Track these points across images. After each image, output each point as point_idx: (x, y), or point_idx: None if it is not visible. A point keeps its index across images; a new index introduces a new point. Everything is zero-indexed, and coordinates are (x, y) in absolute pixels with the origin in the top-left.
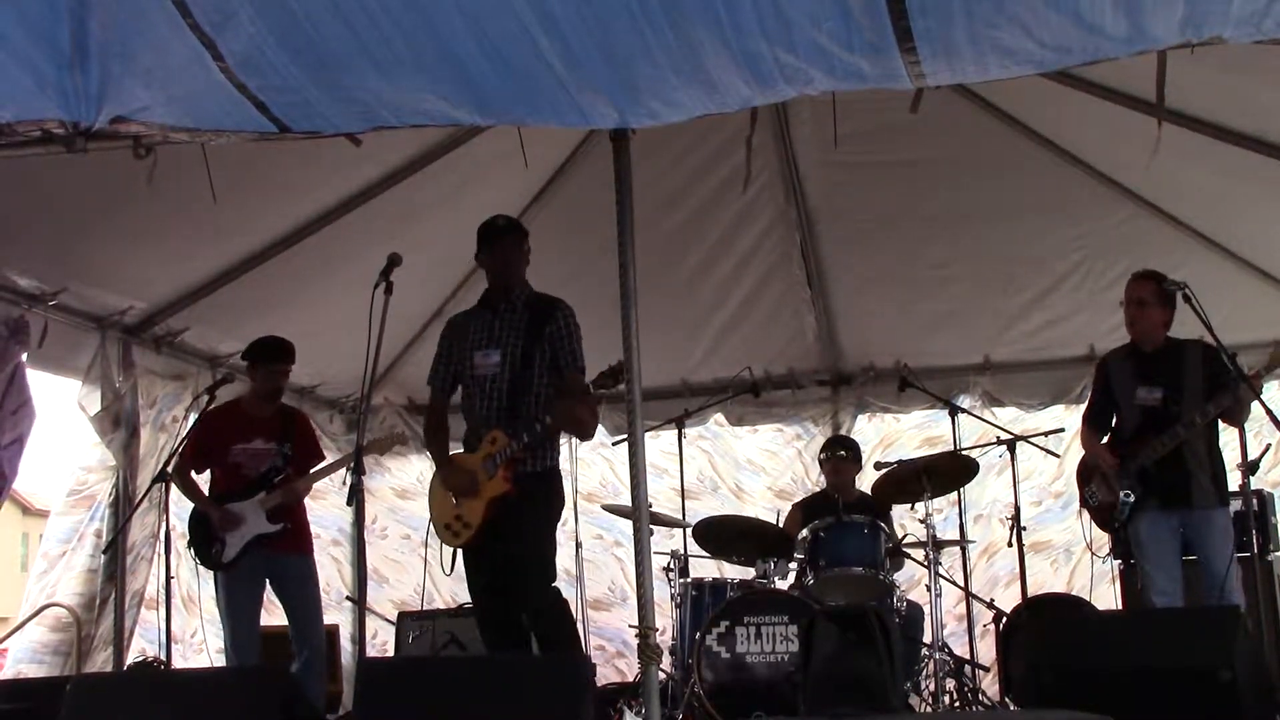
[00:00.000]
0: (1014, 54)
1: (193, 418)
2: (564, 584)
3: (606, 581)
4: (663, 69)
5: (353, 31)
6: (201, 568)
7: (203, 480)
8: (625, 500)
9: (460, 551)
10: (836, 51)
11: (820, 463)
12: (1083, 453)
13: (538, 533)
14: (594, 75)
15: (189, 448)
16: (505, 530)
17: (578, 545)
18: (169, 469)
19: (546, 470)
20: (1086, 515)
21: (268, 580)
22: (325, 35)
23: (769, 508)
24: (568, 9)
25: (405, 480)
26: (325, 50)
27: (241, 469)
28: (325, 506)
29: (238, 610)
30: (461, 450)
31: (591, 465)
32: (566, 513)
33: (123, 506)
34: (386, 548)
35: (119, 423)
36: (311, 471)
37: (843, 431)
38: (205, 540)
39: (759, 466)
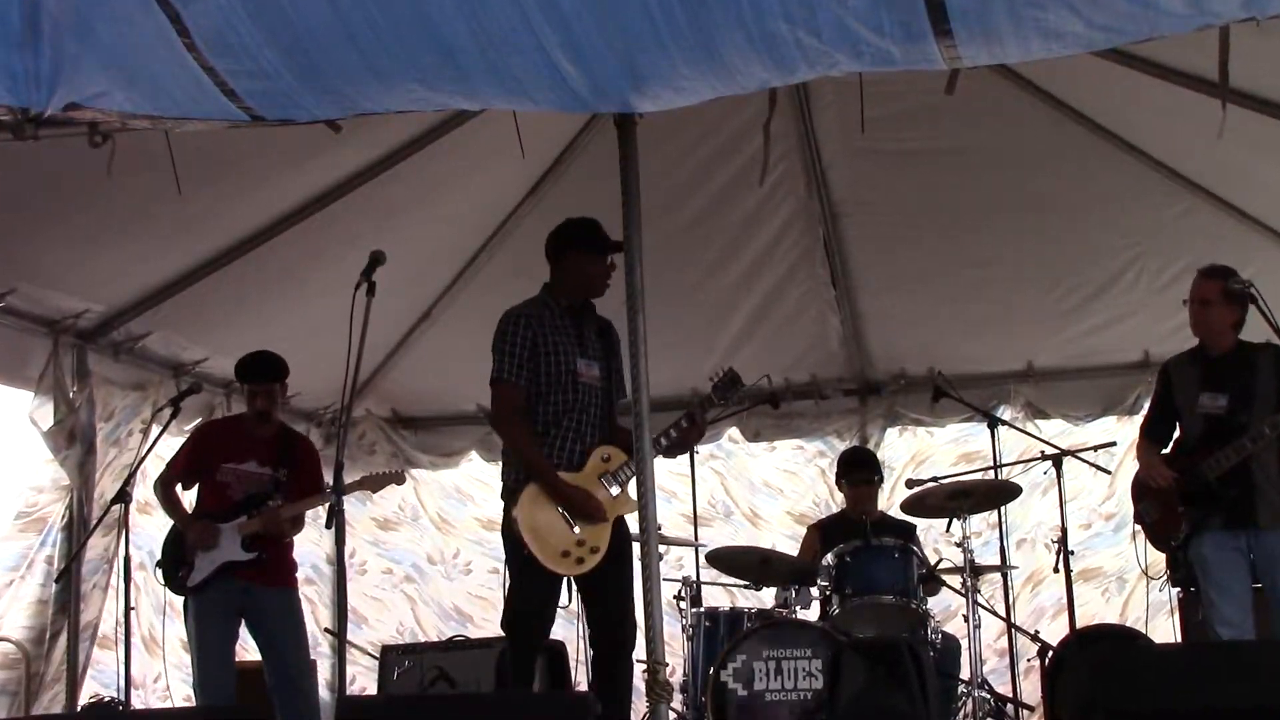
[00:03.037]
0: (1061, 36)
1: (155, 431)
2: (563, 620)
3: None
4: (671, 54)
5: (335, 9)
6: (170, 604)
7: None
8: (631, 526)
9: (569, 580)
10: (864, 34)
11: (839, 486)
12: (1138, 467)
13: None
14: (597, 63)
15: (179, 459)
16: (620, 557)
17: None
18: (128, 488)
19: None
20: (1142, 538)
21: (242, 617)
22: (304, 13)
23: (787, 534)
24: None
25: (386, 509)
26: (303, 29)
27: (228, 489)
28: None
29: (206, 642)
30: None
31: None
32: None
33: (77, 530)
34: (366, 584)
35: (74, 438)
36: (297, 502)
37: (871, 445)
38: (175, 562)
39: (776, 489)
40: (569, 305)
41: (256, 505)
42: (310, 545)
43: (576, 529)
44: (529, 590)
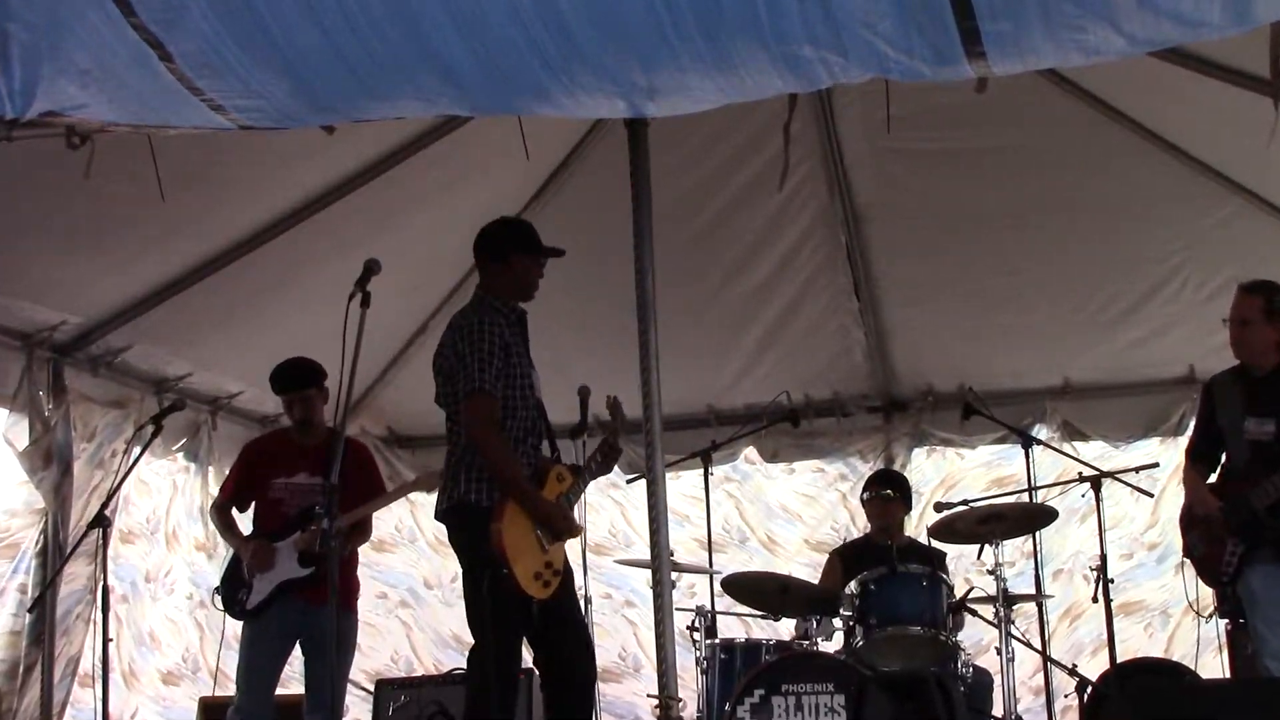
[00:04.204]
0: (1099, 51)
1: (136, 452)
2: None
3: (616, 648)
4: (688, 74)
5: (326, 35)
6: (151, 633)
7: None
8: (639, 552)
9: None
10: (893, 55)
11: (863, 503)
12: (1184, 495)
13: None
14: (607, 82)
15: (229, 482)
16: (569, 582)
17: (586, 601)
18: (106, 512)
19: None
20: (1189, 569)
21: (298, 639)
22: (295, 40)
23: (805, 563)
24: (581, 17)
25: (382, 529)
26: (294, 55)
27: (281, 505)
28: None
29: (252, 670)
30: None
31: (599, 511)
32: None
33: (53, 557)
34: (360, 609)
35: (50, 458)
36: (350, 511)
37: (897, 466)
38: (234, 586)
39: (794, 514)
40: (515, 313)
41: (312, 518)
42: None
43: (547, 550)
44: (511, 614)
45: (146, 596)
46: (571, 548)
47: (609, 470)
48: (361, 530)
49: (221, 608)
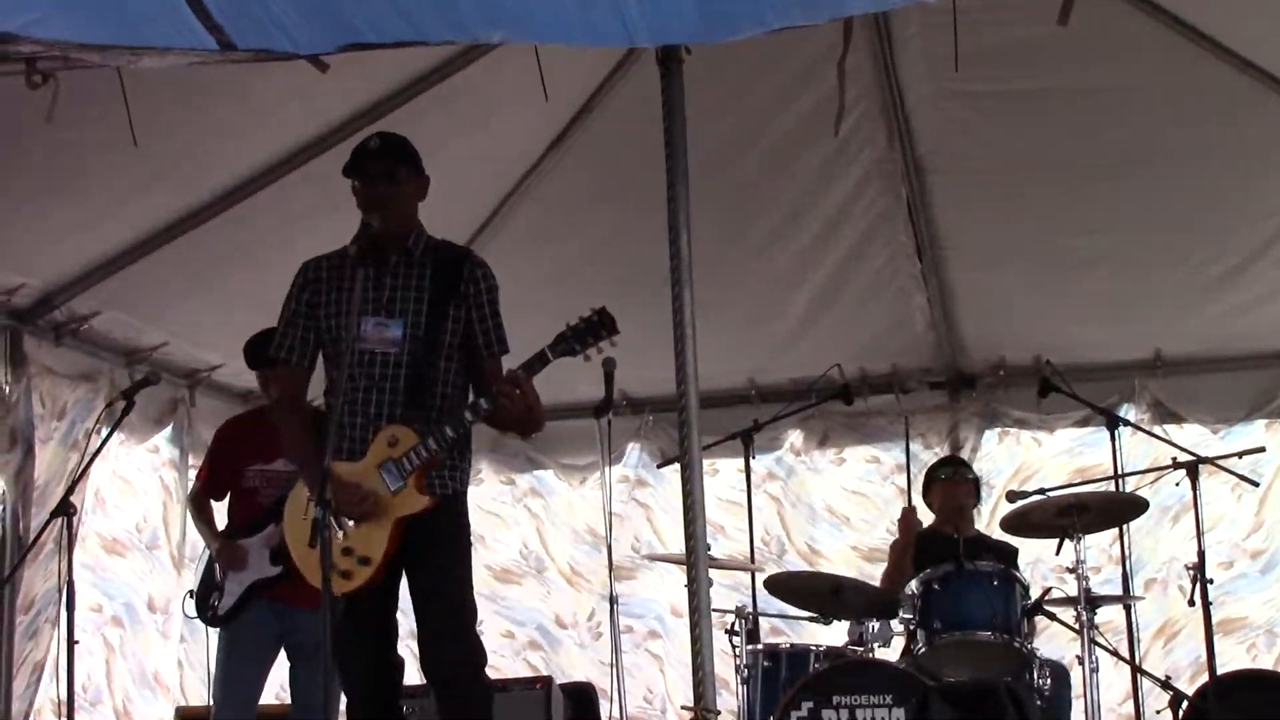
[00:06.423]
0: None
1: (104, 432)
2: (591, 653)
3: (641, 689)
4: None
5: None
6: (156, 675)
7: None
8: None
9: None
10: None
11: (933, 484)
12: None
13: (460, 571)
14: None
15: (203, 470)
16: (414, 565)
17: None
18: (71, 497)
19: (459, 494)
20: None
21: (283, 646)
22: None
23: (854, 575)
24: None
25: None
26: None
27: (257, 495)
28: None
29: (230, 680)
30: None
31: (622, 521)
32: (598, 601)
33: (13, 549)
34: None
35: (15, 440)
36: None
37: (965, 451)
38: (207, 589)
39: (841, 517)
40: (369, 245)
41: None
42: None
43: (341, 534)
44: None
45: (152, 628)
46: (591, 563)
47: (506, 419)
48: None
49: (194, 614)
